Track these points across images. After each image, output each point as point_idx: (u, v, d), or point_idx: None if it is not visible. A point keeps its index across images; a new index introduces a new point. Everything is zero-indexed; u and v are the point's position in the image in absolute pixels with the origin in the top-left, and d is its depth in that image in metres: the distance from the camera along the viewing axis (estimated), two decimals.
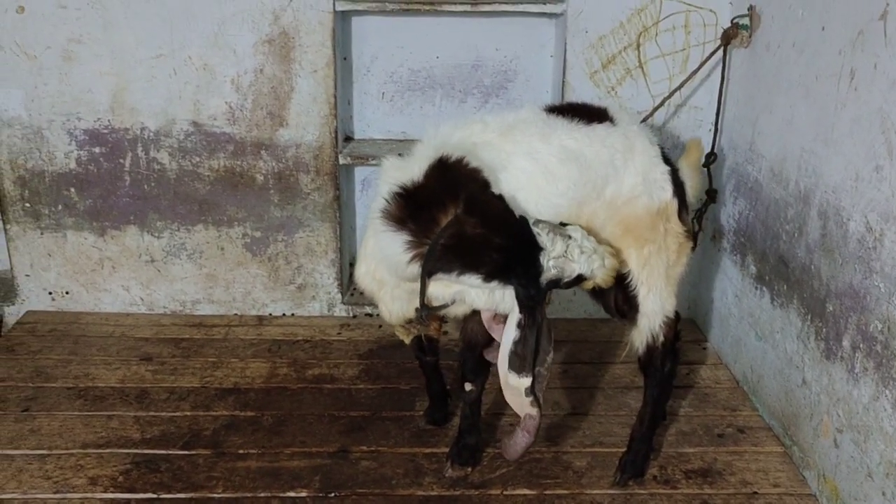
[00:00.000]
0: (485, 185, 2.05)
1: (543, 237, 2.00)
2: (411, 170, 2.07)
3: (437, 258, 2.00)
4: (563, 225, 2.09)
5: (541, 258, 1.99)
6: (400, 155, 2.16)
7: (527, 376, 2.01)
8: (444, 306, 2.19)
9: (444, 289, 2.12)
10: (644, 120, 3.12)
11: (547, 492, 2.46)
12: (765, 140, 2.87)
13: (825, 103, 2.42)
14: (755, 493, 2.47)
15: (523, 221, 2.01)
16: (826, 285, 2.42)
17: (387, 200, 2.04)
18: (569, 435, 2.74)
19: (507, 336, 2.03)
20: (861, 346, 2.22)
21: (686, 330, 2.63)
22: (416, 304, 2.17)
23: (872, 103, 2.17)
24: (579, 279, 2.07)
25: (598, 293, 2.37)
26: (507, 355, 2.02)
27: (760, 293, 2.90)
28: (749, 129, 2.99)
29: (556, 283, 2.05)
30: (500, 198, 2.01)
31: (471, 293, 2.10)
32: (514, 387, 2.03)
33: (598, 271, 2.06)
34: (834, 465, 2.37)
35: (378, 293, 2.31)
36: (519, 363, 2.01)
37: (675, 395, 2.82)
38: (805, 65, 2.56)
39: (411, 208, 2.02)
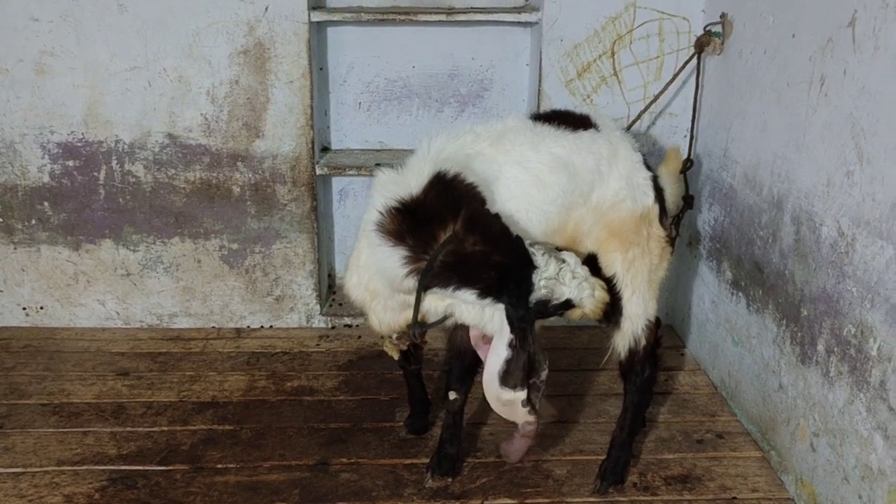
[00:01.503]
0: (482, 202, 2.06)
1: (538, 257, 2.00)
2: (408, 184, 2.06)
3: (434, 274, 2.00)
4: (559, 250, 2.11)
5: (533, 277, 1.99)
6: (392, 167, 2.15)
7: (521, 389, 2.01)
8: (438, 322, 2.19)
9: (437, 301, 2.13)
10: (629, 127, 3.15)
11: (528, 501, 2.45)
12: (738, 146, 2.89)
13: (797, 109, 2.45)
14: (734, 498, 2.48)
15: (520, 241, 2.01)
16: (800, 290, 2.44)
17: (383, 214, 2.03)
18: (549, 443, 2.73)
19: (494, 355, 2.03)
20: (835, 350, 2.24)
21: (664, 336, 2.64)
22: (408, 315, 2.17)
23: (843, 109, 2.20)
24: (567, 304, 2.07)
25: None
26: (496, 374, 2.02)
27: (736, 299, 2.92)
28: (723, 136, 3.02)
29: (544, 305, 2.04)
30: (498, 216, 2.02)
31: (461, 307, 2.11)
32: (510, 400, 2.03)
33: (588, 300, 2.06)
34: (811, 468, 2.38)
35: (370, 304, 2.31)
36: (511, 380, 2.01)
37: (654, 401, 2.82)
38: (777, 71, 2.59)
39: (409, 223, 2.01)
